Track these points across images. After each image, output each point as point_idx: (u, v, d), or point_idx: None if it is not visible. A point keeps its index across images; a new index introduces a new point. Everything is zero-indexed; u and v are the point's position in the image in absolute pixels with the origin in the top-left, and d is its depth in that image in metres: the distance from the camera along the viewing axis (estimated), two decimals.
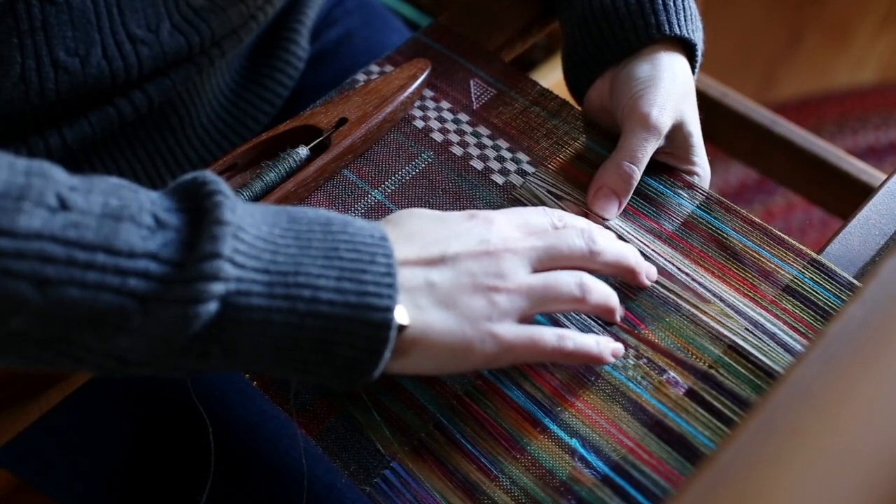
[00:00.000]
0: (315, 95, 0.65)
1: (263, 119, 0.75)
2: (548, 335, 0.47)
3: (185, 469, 0.61)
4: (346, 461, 0.49)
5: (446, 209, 0.57)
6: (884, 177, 0.62)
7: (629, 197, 0.56)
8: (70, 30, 0.56)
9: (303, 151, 0.58)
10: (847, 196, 0.96)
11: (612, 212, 0.56)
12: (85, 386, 0.54)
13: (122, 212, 0.39)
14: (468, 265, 0.46)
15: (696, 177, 0.58)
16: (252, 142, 0.58)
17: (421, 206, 0.57)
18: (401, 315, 0.44)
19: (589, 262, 0.50)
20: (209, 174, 0.42)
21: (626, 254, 0.52)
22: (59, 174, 0.39)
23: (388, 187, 0.59)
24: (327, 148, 0.58)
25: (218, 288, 0.39)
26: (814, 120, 1.57)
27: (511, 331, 0.46)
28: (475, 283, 0.46)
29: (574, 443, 0.48)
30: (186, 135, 0.69)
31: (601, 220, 0.56)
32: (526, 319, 0.48)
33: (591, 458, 0.47)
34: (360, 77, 0.65)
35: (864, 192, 0.92)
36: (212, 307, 0.39)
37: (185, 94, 0.67)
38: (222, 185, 0.42)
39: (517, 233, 0.49)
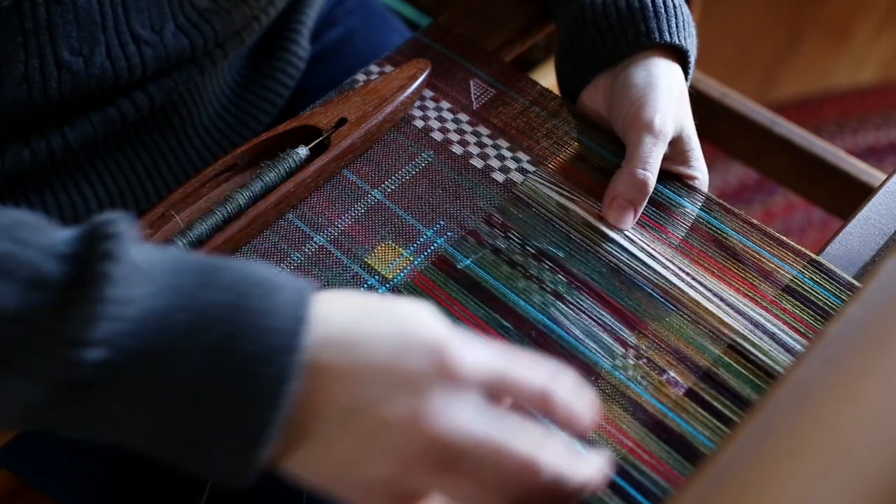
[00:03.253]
0: (315, 96, 0.65)
1: (264, 119, 0.75)
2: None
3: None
4: None
5: (446, 208, 0.57)
6: (884, 177, 0.62)
7: (644, 206, 0.55)
8: (75, 29, 0.56)
9: (302, 152, 0.58)
10: (847, 196, 0.96)
11: (628, 222, 0.55)
12: None
13: None
14: None
15: (695, 181, 0.58)
16: (252, 142, 0.59)
17: (420, 205, 0.57)
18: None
19: None
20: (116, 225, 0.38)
21: None
22: None
23: (388, 187, 0.59)
24: (327, 148, 0.58)
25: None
26: (814, 120, 1.57)
27: None
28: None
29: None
30: (188, 135, 0.69)
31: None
32: None
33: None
34: (360, 77, 0.65)
35: (864, 192, 0.92)
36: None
37: (186, 94, 0.67)
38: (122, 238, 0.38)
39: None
